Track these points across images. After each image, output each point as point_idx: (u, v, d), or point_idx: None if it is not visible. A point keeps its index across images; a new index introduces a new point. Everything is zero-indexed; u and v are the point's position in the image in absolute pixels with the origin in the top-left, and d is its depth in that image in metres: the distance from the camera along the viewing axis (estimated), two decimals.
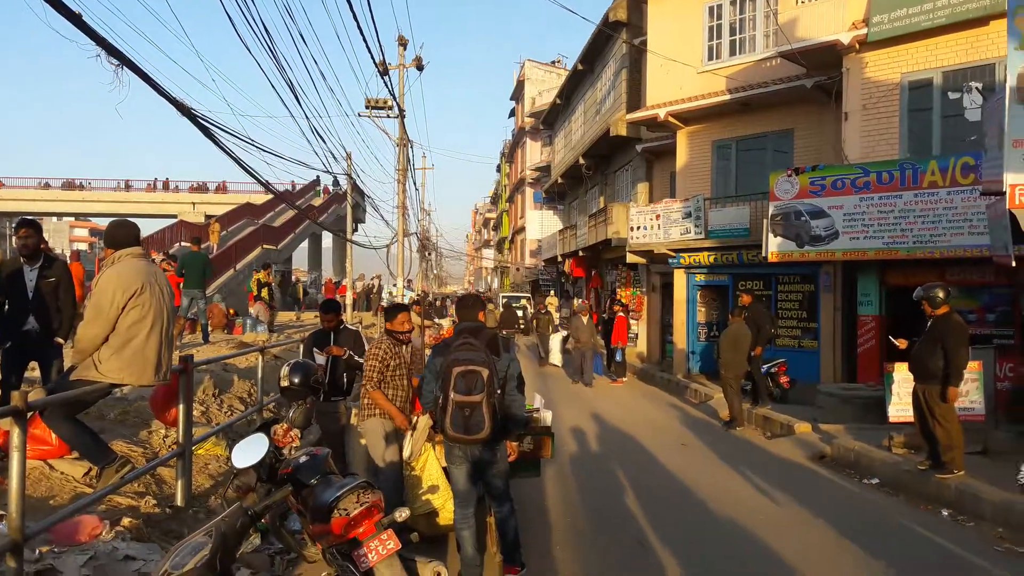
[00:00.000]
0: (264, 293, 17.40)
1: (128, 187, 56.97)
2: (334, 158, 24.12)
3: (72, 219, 73.12)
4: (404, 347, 6.04)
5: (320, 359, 6.66)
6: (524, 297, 36.50)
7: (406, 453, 5.64)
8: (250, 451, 3.49)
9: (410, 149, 26.24)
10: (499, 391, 4.66)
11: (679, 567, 5.36)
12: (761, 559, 5.56)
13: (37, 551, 4.19)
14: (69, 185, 57.46)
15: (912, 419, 7.81)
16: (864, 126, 12.52)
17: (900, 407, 8.53)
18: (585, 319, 16.97)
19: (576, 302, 29.86)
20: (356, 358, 6.65)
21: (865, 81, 12.48)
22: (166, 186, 56.86)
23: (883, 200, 11.46)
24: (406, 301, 26.04)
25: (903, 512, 6.95)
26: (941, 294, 7.17)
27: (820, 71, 13.62)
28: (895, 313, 12.29)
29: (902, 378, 8.41)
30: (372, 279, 35.44)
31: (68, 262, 9.77)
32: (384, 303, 31.85)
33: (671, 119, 17.12)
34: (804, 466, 8.79)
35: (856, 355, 12.83)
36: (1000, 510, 6.41)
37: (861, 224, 11.75)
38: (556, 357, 20.24)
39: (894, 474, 7.80)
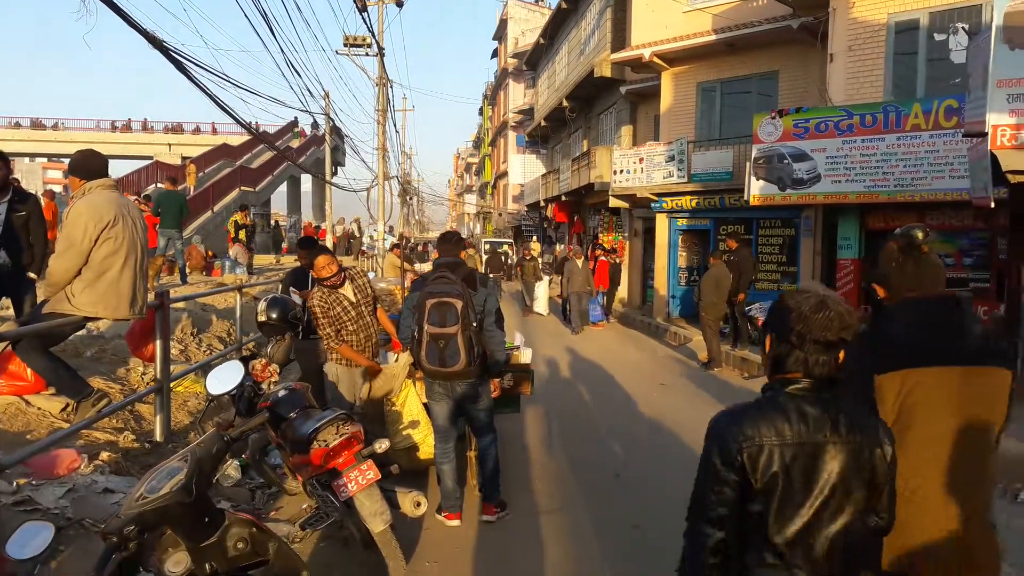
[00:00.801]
0: (242, 235, 17.22)
1: (115, 127, 55.64)
2: (311, 95, 23.63)
3: (45, 160, 71.60)
4: (343, 288, 5.56)
5: (297, 299, 6.60)
6: (506, 243, 36.43)
7: (385, 389, 5.65)
8: (225, 378, 3.46)
9: (390, 89, 25.80)
10: (475, 324, 4.65)
11: (654, 495, 5.45)
12: None
13: (15, 483, 4.18)
14: (40, 125, 56.09)
15: None
16: (849, 68, 12.40)
17: None
18: (580, 262, 16.34)
19: (558, 247, 29.87)
20: None
21: (851, 22, 12.31)
22: (144, 127, 55.58)
23: (866, 143, 11.43)
24: (387, 245, 25.91)
25: None
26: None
27: (806, 11, 13.43)
28: (874, 257, 12.37)
29: None
30: (351, 222, 35.14)
31: (41, 202, 9.56)
32: (364, 248, 31.69)
33: (656, 60, 16.88)
34: None
35: None
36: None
37: (843, 167, 11.72)
38: (541, 305, 19.47)
39: None
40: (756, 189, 12.79)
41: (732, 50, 15.71)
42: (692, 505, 1.99)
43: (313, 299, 5.48)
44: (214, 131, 53.46)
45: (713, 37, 15.53)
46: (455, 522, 4.90)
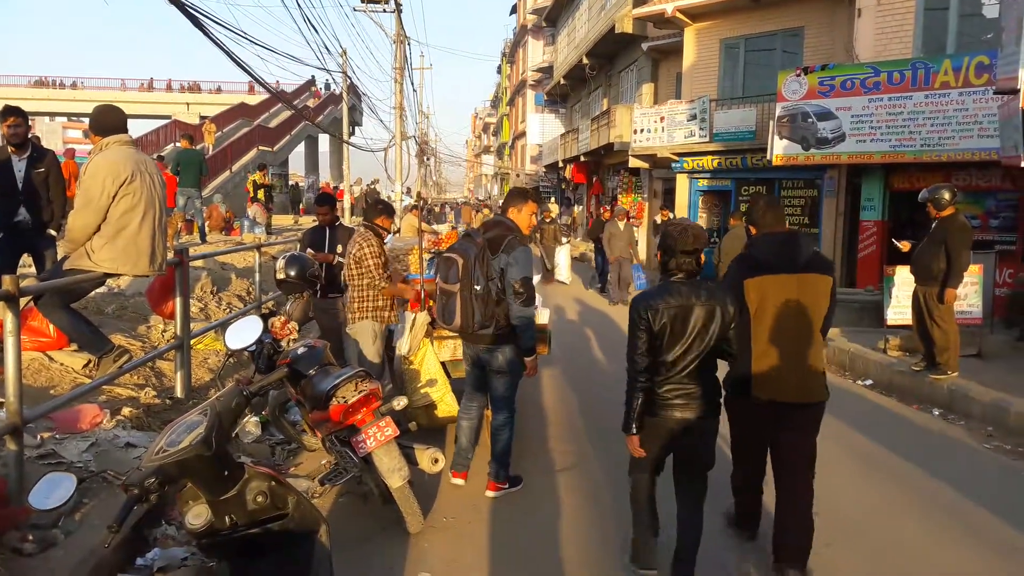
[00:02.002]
0: (261, 194, 17.23)
1: (150, 86, 55.62)
2: (328, 53, 23.38)
3: (65, 120, 71.83)
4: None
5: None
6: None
7: (404, 348, 5.66)
8: (244, 333, 3.47)
9: (407, 47, 25.51)
10: (478, 288, 4.38)
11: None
12: None
13: (39, 437, 4.25)
14: (60, 84, 56.16)
15: (910, 322, 7.83)
16: (877, 23, 12.08)
17: (898, 310, 8.53)
18: (622, 224, 14.47)
19: (576, 209, 29.66)
20: (342, 259, 6.50)
21: None
22: (168, 87, 55.42)
23: (893, 101, 11.17)
24: (405, 206, 25.83)
25: (895, 410, 7.06)
26: (947, 195, 7.05)
27: None
28: (897, 219, 12.19)
29: (902, 281, 8.38)
30: (369, 184, 35.04)
31: (63, 160, 9.60)
32: None
33: (679, 15, 16.52)
34: None
35: (856, 261, 12.79)
36: (991, 410, 6.50)
37: (869, 126, 11.49)
38: (564, 272, 17.54)
39: (888, 375, 7.88)
40: (779, 148, 12.59)
41: (757, 5, 15.35)
42: (628, 348, 3.47)
43: (373, 241, 5.54)
44: (249, 90, 53.24)
45: None
46: (460, 481, 4.83)
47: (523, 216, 4.71)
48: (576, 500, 4.75)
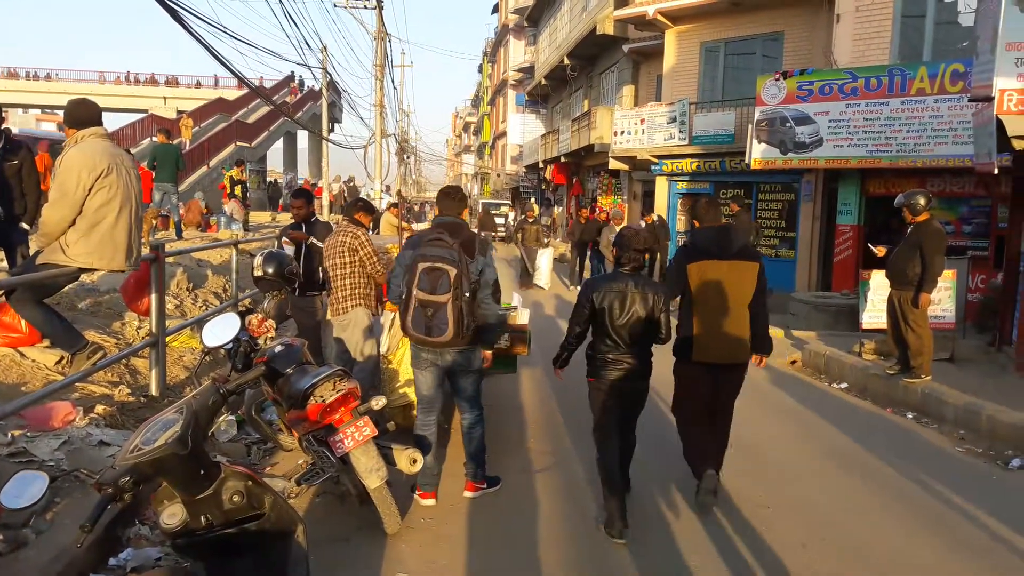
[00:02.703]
0: (238, 191, 17.07)
1: (127, 79, 54.95)
2: (309, 48, 23.24)
3: (39, 112, 70.72)
4: None
5: (289, 249, 6.54)
6: (505, 204, 36.20)
7: (384, 347, 5.63)
8: (221, 330, 3.42)
9: (389, 44, 25.41)
10: (468, 295, 4.27)
11: (649, 452, 5.47)
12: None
13: (9, 434, 4.17)
14: (34, 76, 55.30)
15: (884, 326, 7.92)
16: (856, 29, 12.21)
17: (873, 314, 8.63)
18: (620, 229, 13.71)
19: (556, 210, 29.69)
20: (319, 244, 6.50)
21: None
22: (153, 81, 54.73)
23: (870, 107, 11.31)
24: (384, 205, 25.73)
25: (869, 413, 7.13)
26: (923, 200, 7.14)
27: None
28: (873, 223, 12.33)
29: (877, 285, 8.48)
30: (346, 181, 34.83)
31: (37, 153, 9.44)
32: None
33: (660, 17, 16.60)
34: (774, 369, 8.94)
35: (832, 265, 12.92)
36: (963, 414, 6.58)
37: (846, 131, 11.62)
38: (543, 278, 16.46)
39: (863, 378, 7.96)
40: (757, 152, 12.69)
41: (738, 9, 15.46)
42: (571, 317, 4.54)
43: (366, 236, 5.84)
44: (216, 84, 52.76)
45: None
46: (430, 501, 4.58)
47: (464, 217, 4.89)
48: (555, 501, 4.75)
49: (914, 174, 11.35)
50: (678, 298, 4.75)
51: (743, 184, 15.31)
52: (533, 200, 31.83)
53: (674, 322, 4.53)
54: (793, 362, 9.28)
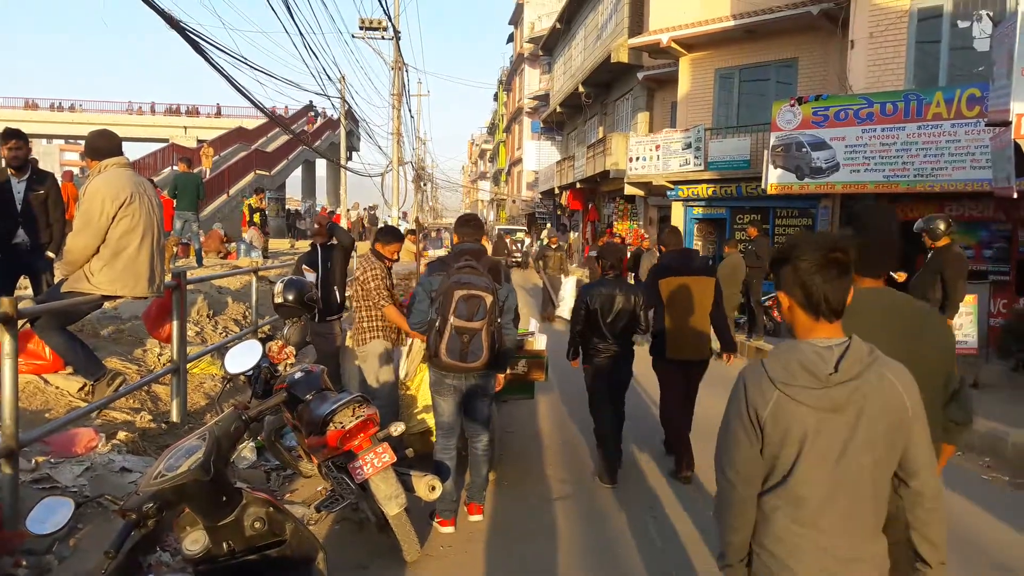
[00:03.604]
0: (257, 218, 17.25)
1: (149, 109, 56.04)
2: (328, 77, 23.60)
3: (62, 142, 71.97)
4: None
5: (310, 276, 6.58)
6: (520, 230, 36.31)
7: (402, 373, 5.65)
8: (243, 357, 3.46)
9: (405, 73, 25.72)
10: (498, 320, 4.44)
11: (668, 482, 5.44)
12: None
13: (33, 461, 4.21)
14: (59, 107, 56.40)
15: None
16: (870, 55, 12.24)
17: None
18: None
19: (572, 235, 29.76)
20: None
21: (873, 8, 12.15)
22: (177, 111, 55.66)
23: (886, 132, 11.30)
24: (402, 231, 25.89)
25: None
26: (942, 226, 7.10)
27: None
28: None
29: None
30: (367, 207, 35.14)
31: (60, 182, 9.60)
32: None
33: (674, 45, 16.72)
34: None
35: None
36: (987, 441, 6.49)
37: (862, 156, 11.60)
38: (567, 308, 13.30)
39: None
40: (774, 178, 12.69)
41: (751, 36, 15.56)
42: (571, 318, 5.89)
43: (376, 267, 5.61)
44: (231, 115, 53.52)
45: (732, 23, 15.37)
46: (449, 529, 4.56)
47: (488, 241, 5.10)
48: (573, 529, 4.72)
49: (932, 199, 11.29)
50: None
51: (760, 209, 15.29)
52: (549, 225, 31.96)
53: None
54: None
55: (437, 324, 4.34)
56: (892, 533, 2.00)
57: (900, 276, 7.98)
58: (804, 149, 12.22)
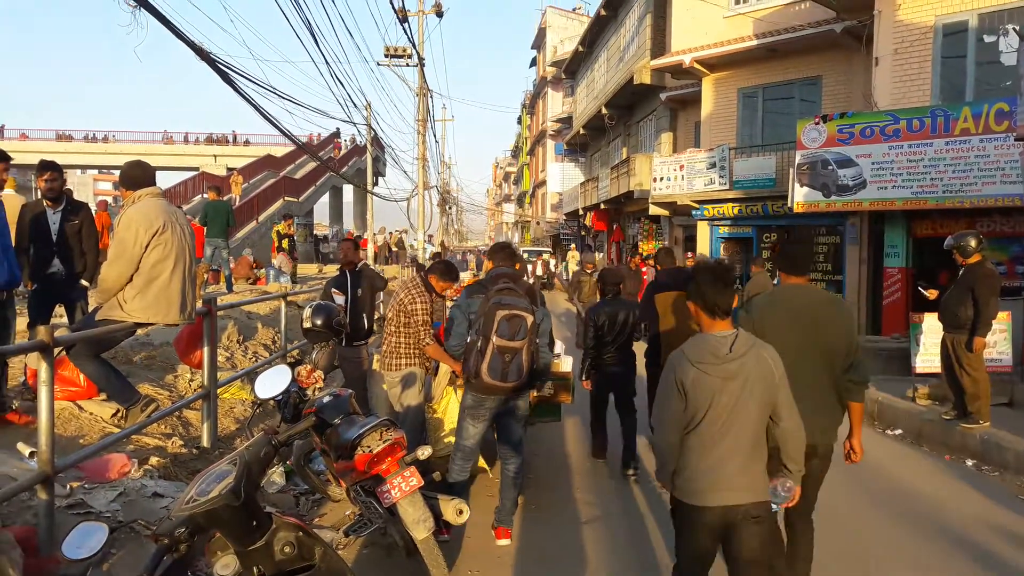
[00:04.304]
0: (285, 244, 17.47)
1: (180, 138, 57.33)
2: (354, 105, 23.91)
3: (96, 172, 73.55)
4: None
5: (339, 299, 6.65)
6: (545, 251, 36.37)
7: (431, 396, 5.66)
8: (273, 382, 3.50)
9: (430, 99, 26.00)
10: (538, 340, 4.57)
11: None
12: None
13: (68, 486, 4.28)
14: (92, 138, 57.74)
15: (938, 370, 7.72)
16: (895, 71, 12.17)
17: (926, 357, 8.43)
18: (760, 272, 11.11)
19: (597, 256, 29.73)
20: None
21: (897, 24, 12.10)
22: (208, 139, 56.75)
23: (913, 148, 11.20)
24: (427, 255, 26.08)
25: (926, 460, 6.92)
26: (973, 242, 7.01)
27: (851, 14, 13.24)
28: (922, 265, 12.11)
29: (929, 328, 8.29)
30: (397, 230, 35.44)
31: (95, 212, 9.83)
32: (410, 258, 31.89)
33: (696, 65, 16.76)
34: None
35: (881, 308, 12.68)
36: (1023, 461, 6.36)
37: (889, 173, 11.50)
38: None
39: (917, 424, 7.74)
40: (800, 196, 12.61)
41: (774, 55, 15.55)
42: (583, 335, 6.98)
43: (426, 298, 5.45)
44: (259, 143, 54.35)
45: (755, 42, 15.39)
46: (505, 541, 4.71)
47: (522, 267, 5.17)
48: (602, 554, 4.68)
49: (962, 215, 11.15)
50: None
51: (786, 227, 15.18)
52: (574, 247, 31.96)
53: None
54: None
55: (479, 345, 4.40)
56: (772, 460, 3.11)
57: (931, 294, 7.88)
58: (830, 167, 12.15)
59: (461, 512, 4.18)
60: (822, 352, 3.53)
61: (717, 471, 2.96)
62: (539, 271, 27.98)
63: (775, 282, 11.43)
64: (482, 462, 5.47)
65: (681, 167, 16.98)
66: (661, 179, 17.71)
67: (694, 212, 17.11)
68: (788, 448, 3.08)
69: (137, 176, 4.84)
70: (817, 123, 12.39)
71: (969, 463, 6.74)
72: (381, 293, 8.08)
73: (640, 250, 22.11)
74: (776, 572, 3.54)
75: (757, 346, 3.00)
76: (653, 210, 19.05)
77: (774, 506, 3.14)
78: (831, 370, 3.56)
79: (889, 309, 12.31)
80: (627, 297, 15.99)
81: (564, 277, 30.09)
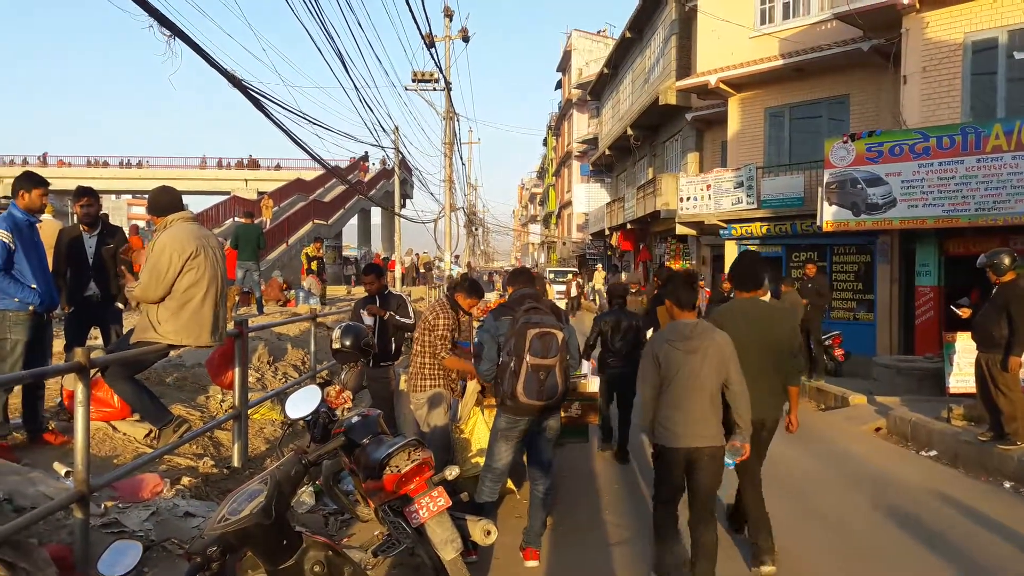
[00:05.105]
0: (315, 266, 17.67)
1: (211, 163, 58.51)
2: (382, 129, 24.24)
3: (130, 197, 75.04)
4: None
5: (368, 320, 6.71)
6: (571, 272, 36.35)
7: (456, 416, 5.68)
8: (303, 403, 3.55)
9: (456, 122, 26.25)
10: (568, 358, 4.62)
11: (725, 529, 5.32)
12: (807, 519, 5.49)
13: (103, 506, 4.35)
14: (127, 164, 59.01)
15: (973, 390, 7.59)
16: (924, 89, 12.08)
17: (960, 377, 8.28)
18: (789, 297, 10.80)
19: (623, 275, 29.66)
20: (399, 319, 6.67)
21: (926, 42, 12.02)
22: (240, 163, 57.83)
23: (943, 166, 11.08)
24: (454, 274, 26.19)
25: (962, 483, 6.78)
26: (1007, 260, 6.90)
27: (878, 33, 13.18)
28: (954, 284, 11.93)
29: (963, 347, 8.16)
30: (416, 253, 35.66)
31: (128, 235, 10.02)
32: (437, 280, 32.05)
33: (722, 86, 16.76)
34: (858, 437, 8.63)
35: (913, 327, 12.49)
36: None
37: (920, 191, 11.38)
38: None
39: (953, 445, 7.59)
40: (829, 215, 12.52)
41: (800, 75, 15.51)
42: (588, 336, 7.57)
43: (448, 314, 5.55)
44: (290, 167, 55.13)
45: (781, 62, 15.37)
46: (533, 563, 4.68)
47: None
48: (633, 573, 4.64)
49: (995, 232, 10.99)
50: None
51: (816, 247, 15.07)
52: (600, 267, 31.91)
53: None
54: (878, 429, 8.93)
55: (512, 365, 4.42)
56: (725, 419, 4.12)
57: (965, 312, 7.76)
58: (859, 185, 12.05)
59: (489, 533, 4.18)
60: (771, 349, 4.52)
61: (685, 422, 4.00)
62: (573, 291, 28.21)
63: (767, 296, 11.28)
64: (510, 483, 5.47)
65: (708, 186, 16.94)
66: (688, 199, 17.68)
67: (721, 231, 17.03)
68: (737, 407, 4.07)
69: (164, 202, 4.95)
70: (845, 142, 12.32)
71: (1007, 485, 6.59)
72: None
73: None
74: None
75: (713, 331, 4.10)
76: (680, 230, 18.99)
77: (731, 463, 4.12)
78: (778, 363, 4.54)
79: (921, 328, 12.12)
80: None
81: (591, 297, 30.11)
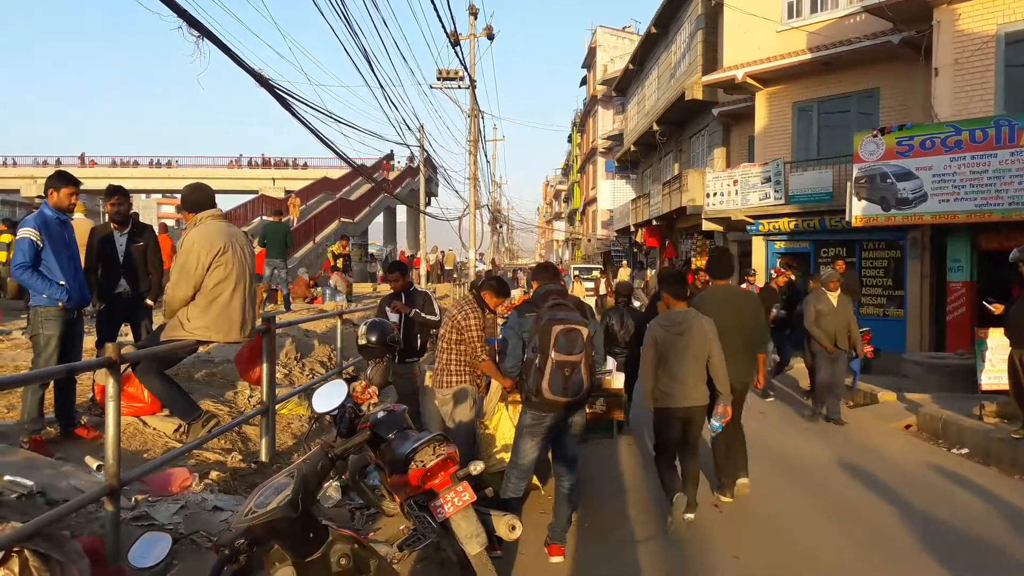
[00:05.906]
0: (340, 263, 17.80)
1: (238, 163, 59.25)
2: (407, 127, 24.36)
3: (160, 196, 76.06)
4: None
5: (393, 317, 6.74)
6: (596, 269, 36.22)
7: (481, 412, 5.69)
8: (330, 397, 3.57)
9: (481, 120, 26.27)
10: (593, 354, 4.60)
11: (754, 524, 5.28)
12: (834, 515, 5.42)
13: (133, 499, 4.42)
14: (157, 163, 59.83)
15: (1006, 387, 7.45)
16: (956, 82, 11.87)
17: (993, 374, 8.13)
18: (835, 297, 9.07)
19: (649, 272, 29.49)
20: (424, 315, 6.68)
21: (957, 34, 11.81)
22: (267, 162, 58.41)
23: (976, 160, 10.89)
24: (479, 270, 26.22)
25: (994, 481, 6.66)
26: None
27: (908, 25, 12.97)
28: (987, 279, 11.72)
29: (996, 344, 8.01)
30: (453, 252, 35.76)
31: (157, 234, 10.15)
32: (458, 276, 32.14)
33: (749, 80, 16.60)
34: (887, 434, 8.52)
35: (944, 323, 12.30)
36: None
37: (951, 185, 11.20)
38: None
39: (985, 443, 7.47)
40: (858, 210, 12.36)
41: (829, 68, 15.31)
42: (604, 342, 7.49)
43: (477, 314, 5.49)
44: (317, 166, 55.53)
45: (809, 56, 15.18)
46: (558, 558, 4.65)
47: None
48: (656, 573, 4.62)
49: None
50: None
51: (845, 242, 14.88)
52: (625, 263, 31.76)
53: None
54: (908, 426, 8.81)
55: (537, 362, 4.42)
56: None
57: (997, 308, 7.62)
58: (889, 180, 11.88)
59: (514, 528, 4.18)
60: (742, 327, 5.73)
61: (680, 388, 5.17)
62: (602, 289, 28.06)
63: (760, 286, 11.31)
64: (534, 479, 5.47)
65: (735, 182, 16.79)
66: (714, 194, 17.54)
67: (749, 227, 16.88)
68: (717, 376, 5.23)
69: (197, 199, 5.01)
70: (875, 135, 12.14)
71: None
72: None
73: (693, 266, 21.88)
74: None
75: (699, 317, 5.26)
76: (706, 226, 18.85)
77: (717, 425, 5.32)
78: (747, 338, 5.77)
79: (953, 324, 11.93)
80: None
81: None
